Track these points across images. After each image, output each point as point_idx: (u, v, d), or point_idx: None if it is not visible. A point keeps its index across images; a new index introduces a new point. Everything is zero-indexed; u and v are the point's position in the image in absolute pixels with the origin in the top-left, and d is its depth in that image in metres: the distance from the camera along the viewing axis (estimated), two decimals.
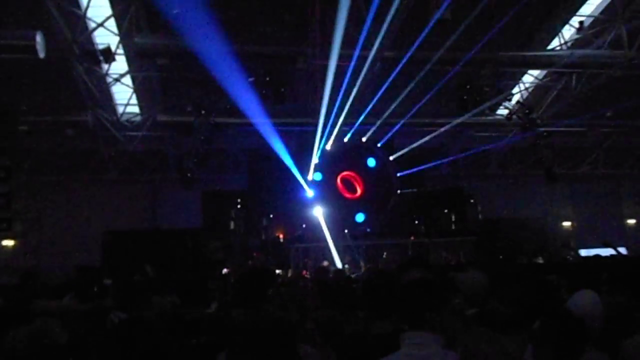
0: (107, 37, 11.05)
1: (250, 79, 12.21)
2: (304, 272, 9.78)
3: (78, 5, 10.39)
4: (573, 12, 13.07)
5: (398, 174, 16.79)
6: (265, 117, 13.48)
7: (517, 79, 15.71)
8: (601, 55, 12.86)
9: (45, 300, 4.48)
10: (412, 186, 16.71)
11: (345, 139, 16.32)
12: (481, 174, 19.11)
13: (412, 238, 15.30)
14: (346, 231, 15.40)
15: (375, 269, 8.88)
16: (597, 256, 7.69)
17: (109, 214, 16.82)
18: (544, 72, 14.99)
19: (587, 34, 12.92)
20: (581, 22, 12.77)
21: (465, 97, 13.78)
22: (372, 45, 11.85)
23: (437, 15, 9.34)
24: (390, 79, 12.83)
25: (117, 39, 11.11)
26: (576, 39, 13.18)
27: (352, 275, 9.55)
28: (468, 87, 13.62)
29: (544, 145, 15.63)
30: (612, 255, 7.65)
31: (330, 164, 16.41)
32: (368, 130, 15.96)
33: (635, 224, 19.88)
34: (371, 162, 16.88)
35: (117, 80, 12.78)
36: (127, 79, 13.10)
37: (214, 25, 9.66)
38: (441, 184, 18.53)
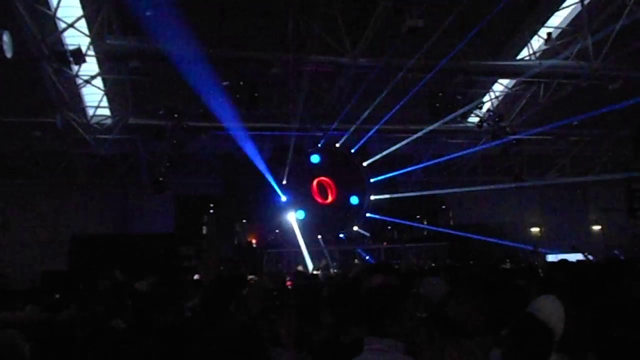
0: (77, 37, 10.84)
1: (224, 83, 12.14)
2: (288, 282, 9.63)
3: (48, 5, 10.17)
4: (541, 23, 13.43)
5: (371, 180, 16.93)
6: (239, 122, 13.43)
7: (487, 88, 16.02)
8: (568, 66, 13.21)
9: (5, 310, 4.34)
10: (385, 192, 16.86)
11: (319, 145, 16.39)
12: (453, 180, 19.38)
13: (385, 244, 15.43)
14: (319, 237, 15.44)
15: (341, 275, 8.88)
16: (564, 261, 7.84)
17: (79, 218, 16.50)
18: (514, 81, 15.32)
19: (555, 45, 13.26)
20: (549, 34, 13.10)
21: (437, 105, 13.99)
22: (347, 51, 11.96)
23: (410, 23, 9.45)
24: (364, 85, 12.95)
25: (88, 40, 10.91)
26: (544, 50, 13.52)
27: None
28: (440, 94, 13.84)
29: (514, 152, 15.96)
30: (579, 261, 7.83)
31: (305, 169, 16.45)
32: (342, 136, 16.05)
33: (600, 230, 20.43)
34: (345, 170, 16.97)
35: (87, 82, 12.53)
36: (98, 81, 12.87)
37: (187, 28, 9.58)
38: (414, 190, 18.73)
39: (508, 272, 7.51)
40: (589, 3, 12.32)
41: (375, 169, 16.86)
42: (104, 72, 12.50)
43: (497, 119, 15.09)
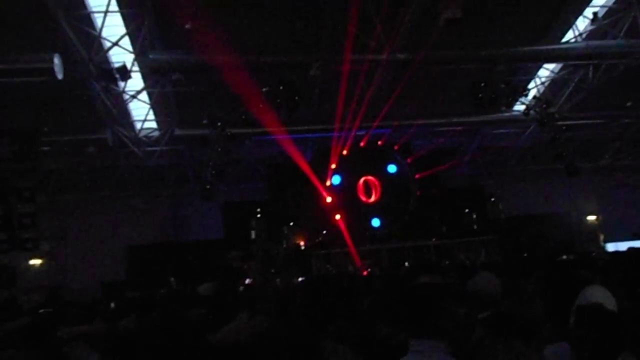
0: (122, 55, 11.24)
1: (264, 89, 12.29)
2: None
3: (93, 26, 10.59)
4: (586, 3, 12.89)
5: (417, 176, 16.72)
6: (281, 126, 13.57)
7: (532, 74, 15.52)
8: (617, 45, 12.64)
9: (72, 323, 4.52)
10: (431, 187, 16.62)
11: (362, 144, 16.35)
12: (501, 171, 18.89)
13: (434, 240, 15.19)
14: (367, 235, 15.38)
15: (389, 275, 8.79)
16: (631, 249, 7.28)
17: (132, 228, 17.06)
18: (560, 65, 14.79)
19: (602, 25, 12.72)
20: (595, 13, 12.57)
21: (480, 95, 13.63)
22: (384, 48, 11.86)
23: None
24: (404, 81, 12.80)
25: (132, 56, 11.29)
26: (591, 30, 12.99)
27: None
28: (483, 84, 13.48)
29: (564, 139, 15.38)
30: None
31: (349, 169, 16.44)
32: (384, 133, 15.94)
33: None
34: (392, 168, 16.86)
35: (133, 97, 12.97)
36: (144, 95, 13.30)
37: (224, 37, 9.77)
38: (461, 184, 18.39)
39: (568, 263, 7.21)
40: None
41: (420, 164, 16.65)
42: (148, 87, 12.90)
43: (544, 106, 14.59)
